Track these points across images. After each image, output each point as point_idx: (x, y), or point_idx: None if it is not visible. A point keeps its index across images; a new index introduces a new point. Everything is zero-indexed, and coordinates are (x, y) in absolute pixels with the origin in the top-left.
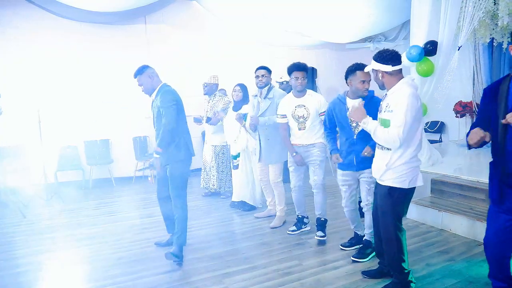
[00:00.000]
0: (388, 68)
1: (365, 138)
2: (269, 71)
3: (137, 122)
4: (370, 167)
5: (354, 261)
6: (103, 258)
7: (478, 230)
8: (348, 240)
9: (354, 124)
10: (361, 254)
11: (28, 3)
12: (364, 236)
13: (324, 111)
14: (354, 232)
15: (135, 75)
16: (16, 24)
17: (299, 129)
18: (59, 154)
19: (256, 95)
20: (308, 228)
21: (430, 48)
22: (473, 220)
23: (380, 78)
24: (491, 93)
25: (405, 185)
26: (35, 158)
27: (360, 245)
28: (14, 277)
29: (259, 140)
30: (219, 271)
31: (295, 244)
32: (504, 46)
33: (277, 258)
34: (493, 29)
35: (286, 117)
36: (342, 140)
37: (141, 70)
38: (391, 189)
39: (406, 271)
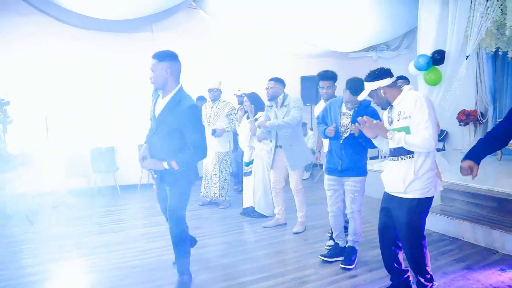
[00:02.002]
0: (388, 81)
1: (351, 144)
2: (279, 82)
3: (142, 129)
4: (354, 175)
5: (344, 269)
6: (117, 267)
7: (493, 238)
8: (328, 251)
9: (342, 129)
10: (348, 261)
11: (35, 11)
12: (345, 244)
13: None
14: (335, 242)
15: (154, 57)
16: (24, 32)
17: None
18: (66, 161)
19: (271, 106)
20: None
21: (438, 57)
22: (488, 229)
23: (383, 95)
24: None
25: (431, 194)
26: (42, 166)
27: (341, 257)
28: (25, 286)
29: (274, 148)
30: (235, 280)
31: (310, 253)
32: (510, 55)
33: (294, 267)
34: (498, 39)
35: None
36: (331, 142)
37: (162, 57)
38: (420, 201)
39: (429, 276)
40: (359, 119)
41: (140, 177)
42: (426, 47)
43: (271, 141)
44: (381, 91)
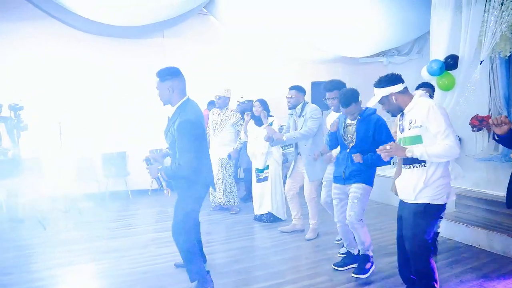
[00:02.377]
0: (400, 87)
1: (355, 153)
2: (300, 91)
3: (153, 134)
4: (356, 181)
5: (355, 278)
6: (128, 272)
7: (510, 246)
8: (341, 260)
9: (349, 139)
10: (361, 270)
11: (46, 15)
12: (358, 252)
13: None
14: (347, 251)
15: (156, 75)
16: (39, 37)
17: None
18: (78, 166)
19: (292, 114)
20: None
21: (451, 63)
22: (504, 236)
23: (395, 101)
24: None
25: (441, 201)
26: (54, 170)
27: (354, 265)
28: None
29: (295, 155)
30: (249, 286)
31: (323, 259)
32: None
33: (307, 273)
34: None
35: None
36: (339, 154)
37: (163, 77)
38: (427, 206)
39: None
40: (378, 150)
41: (151, 182)
42: (438, 52)
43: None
44: (393, 97)
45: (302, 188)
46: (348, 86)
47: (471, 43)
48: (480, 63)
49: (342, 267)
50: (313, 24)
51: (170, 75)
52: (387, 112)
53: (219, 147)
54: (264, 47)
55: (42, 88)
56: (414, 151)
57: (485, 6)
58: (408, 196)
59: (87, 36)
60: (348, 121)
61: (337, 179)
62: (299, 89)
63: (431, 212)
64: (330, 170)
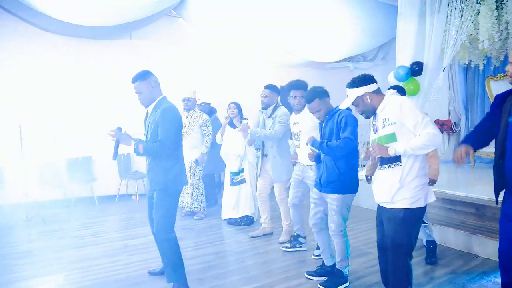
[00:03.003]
0: (374, 86)
1: (330, 159)
2: (274, 90)
3: None
4: (330, 191)
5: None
6: (100, 282)
7: (473, 243)
8: (316, 269)
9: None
10: (330, 283)
11: (9, 16)
12: (334, 265)
13: None
14: (322, 261)
15: (134, 80)
16: None
17: (297, 146)
18: (41, 171)
19: (262, 112)
20: (304, 249)
21: (416, 69)
22: (468, 234)
23: (369, 102)
24: (500, 101)
25: (420, 204)
26: (15, 176)
27: (326, 277)
28: None
29: (261, 156)
30: None
31: (299, 262)
32: (480, 68)
33: (283, 276)
34: (471, 52)
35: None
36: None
37: (143, 76)
38: (406, 212)
39: None
40: (361, 153)
41: (118, 188)
42: (404, 59)
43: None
44: (368, 97)
45: (273, 190)
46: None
47: (435, 50)
48: (443, 70)
49: (314, 276)
50: (285, 28)
51: (148, 74)
52: (361, 114)
53: (190, 150)
54: (235, 50)
55: (1, 90)
56: (396, 148)
57: (447, 16)
58: (384, 198)
59: (52, 36)
60: (324, 124)
61: (316, 184)
62: (273, 89)
63: (411, 218)
64: (297, 171)
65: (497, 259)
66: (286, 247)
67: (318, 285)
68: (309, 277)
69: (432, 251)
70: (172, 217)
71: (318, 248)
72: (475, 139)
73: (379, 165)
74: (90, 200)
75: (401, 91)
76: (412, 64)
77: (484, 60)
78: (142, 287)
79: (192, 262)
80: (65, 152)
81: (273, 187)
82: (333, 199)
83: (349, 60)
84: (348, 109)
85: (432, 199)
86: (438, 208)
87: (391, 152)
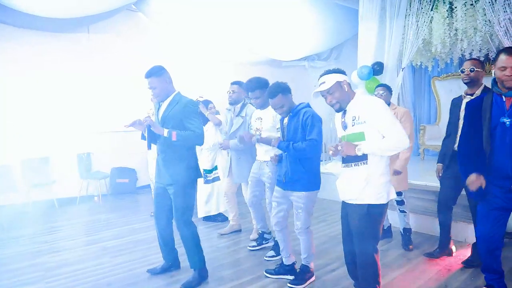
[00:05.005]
0: (348, 79)
1: (292, 155)
2: (242, 86)
3: (80, 137)
4: (297, 189)
5: None
6: (91, 285)
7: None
8: (274, 268)
9: (285, 139)
10: (299, 280)
11: None
12: (293, 264)
13: None
14: (281, 260)
15: (149, 75)
16: None
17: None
18: None
19: (229, 109)
20: (270, 244)
21: (377, 69)
22: (433, 219)
23: (346, 90)
24: (473, 108)
25: (384, 200)
26: None
27: (285, 276)
28: None
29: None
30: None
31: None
32: (429, 69)
33: (253, 276)
34: (422, 54)
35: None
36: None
37: (158, 72)
38: (371, 207)
39: None
40: (329, 150)
41: (79, 189)
42: (366, 59)
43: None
44: (345, 85)
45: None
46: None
47: (394, 52)
48: (402, 70)
49: (273, 275)
50: (247, 27)
51: (162, 70)
52: (334, 104)
53: None
54: (195, 48)
55: None
56: (364, 148)
57: (405, 22)
58: (350, 196)
59: (6, 28)
60: (285, 120)
61: (278, 182)
62: (241, 85)
63: (375, 213)
64: (254, 169)
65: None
66: (253, 246)
67: (288, 284)
68: (268, 275)
69: (409, 237)
70: (192, 208)
71: (272, 249)
72: (475, 164)
73: (344, 162)
74: (49, 203)
75: (388, 88)
76: (374, 64)
77: (432, 62)
78: (137, 287)
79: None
80: (20, 153)
81: (239, 186)
82: (299, 197)
83: (304, 59)
84: (308, 106)
85: (393, 196)
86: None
87: (359, 153)
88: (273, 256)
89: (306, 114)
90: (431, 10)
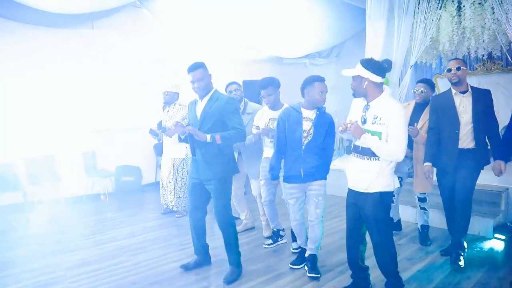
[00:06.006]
0: (378, 79)
1: (312, 149)
2: (240, 85)
3: (84, 135)
4: (317, 178)
5: (312, 278)
6: (116, 284)
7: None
8: (296, 258)
9: (305, 134)
10: (316, 270)
11: None
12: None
13: None
14: (301, 248)
15: (197, 67)
16: None
17: (271, 141)
18: None
19: None
20: (284, 240)
21: (385, 66)
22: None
23: (364, 87)
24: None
25: (391, 188)
26: None
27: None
28: None
29: (237, 154)
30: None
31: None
32: (433, 66)
33: (277, 273)
34: (428, 52)
35: (259, 129)
36: (289, 152)
37: (205, 65)
38: (382, 194)
39: (399, 274)
40: (344, 123)
41: (85, 188)
42: (373, 56)
43: None
44: (366, 83)
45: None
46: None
47: (402, 50)
48: (410, 68)
49: (299, 265)
50: (250, 25)
51: (203, 64)
52: (352, 89)
53: (172, 146)
54: (198, 45)
55: None
56: (368, 139)
57: (413, 21)
58: (361, 185)
59: (6, 22)
60: (304, 114)
61: (292, 178)
62: (238, 84)
63: (386, 200)
64: (265, 168)
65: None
66: (269, 244)
67: (308, 274)
68: (294, 267)
69: (426, 234)
70: (230, 203)
71: (294, 240)
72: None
73: (356, 152)
74: (56, 202)
75: (430, 84)
76: (382, 62)
77: (436, 59)
78: (162, 285)
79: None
80: (24, 151)
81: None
82: (320, 185)
83: (305, 56)
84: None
85: (397, 185)
86: None
87: (362, 140)
88: (298, 248)
89: (331, 118)
90: (439, 9)
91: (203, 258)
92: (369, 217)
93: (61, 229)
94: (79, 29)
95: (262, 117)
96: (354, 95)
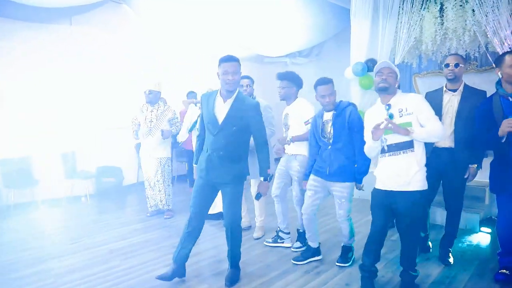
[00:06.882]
0: (398, 81)
1: (338, 150)
2: (252, 81)
3: (62, 136)
4: (341, 180)
5: (339, 266)
6: None
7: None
8: (301, 254)
9: (329, 136)
10: (345, 259)
11: None
12: (317, 246)
13: (308, 120)
14: (307, 244)
15: (235, 59)
16: None
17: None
18: None
19: None
20: (286, 244)
21: (370, 65)
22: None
23: (393, 83)
24: (485, 110)
25: (426, 186)
26: None
27: (315, 258)
28: None
29: None
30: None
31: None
32: (414, 66)
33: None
34: (410, 52)
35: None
36: (321, 150)
37: (239, 60)
38: (422, 193)
39: (416, 269)
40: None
41: (65, 190)
42: (359, 56)
43: None
44: (397, 81)
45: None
46: (255, 82)
47: (387, 50)
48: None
49: (302, 261)
50: (233, 22)
51: None
52: (385, 81)
53: (158, 146)
54: (181, 42)
55: None
56: (416, 132)
57: (397, 21)
58: (400, 182)
59: None
60: (325, 117)
61: (319, 172)
62: (251, 78)
63: (423, 199)
64: (283, 162)
65: None
66: (268, 242)
67: (337, 263)
68: (297, 262)
69: None
70: (240, 209)
71: (297, 240)
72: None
73: (389, 151)
74: (32, 206)
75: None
76: (366, 61)
77: (417, 59)
78: None
79: (198, 258)
80: None
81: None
82: (344, 187)
83: (286, 56)
84: (350, 104)
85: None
86: None
87: (411, 135)
88: (299, 247)
89: (353, 114)
90: (423, 9)
91: (181, 268)
92: (407, 216)
93: (43, 234)
94: (57, 25)
95: (283, 113)
96: (384, 89)
